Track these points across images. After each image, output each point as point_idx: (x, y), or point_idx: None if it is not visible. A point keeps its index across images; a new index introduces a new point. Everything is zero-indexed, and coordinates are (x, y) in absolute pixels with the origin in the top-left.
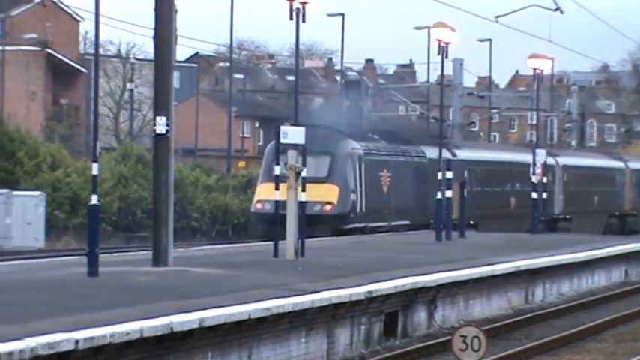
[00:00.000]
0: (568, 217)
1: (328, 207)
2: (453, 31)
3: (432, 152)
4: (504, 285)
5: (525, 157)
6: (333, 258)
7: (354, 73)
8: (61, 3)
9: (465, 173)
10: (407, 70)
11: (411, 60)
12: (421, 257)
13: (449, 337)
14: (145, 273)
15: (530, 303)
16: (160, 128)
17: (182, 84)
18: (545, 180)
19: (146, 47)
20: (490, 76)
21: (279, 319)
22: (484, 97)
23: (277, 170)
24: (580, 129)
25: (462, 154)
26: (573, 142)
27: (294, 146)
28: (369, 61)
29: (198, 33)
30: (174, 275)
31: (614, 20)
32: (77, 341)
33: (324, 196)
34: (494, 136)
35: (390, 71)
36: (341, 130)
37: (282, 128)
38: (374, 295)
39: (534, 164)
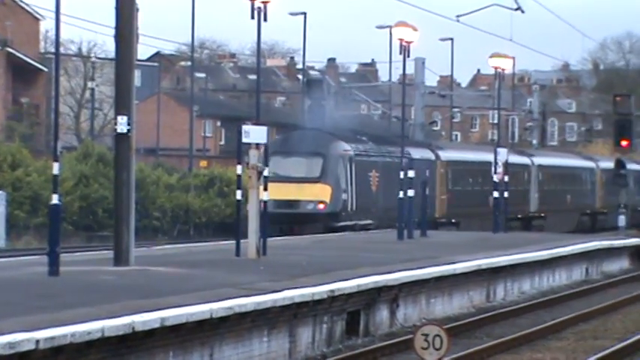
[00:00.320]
0: (543, 215)
1: (321, 205)
2: (415, 30)
3: (416, 153)
4: (466, 284)
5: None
6: (295, 257)
7: (316, 72)
8: (21, 2)
9: (427, 172)
10: (369, 69)
11: (372, 59)
12: (383, 256)
13: (411, 336)
14: (107, 272)
15: (492, 301)
16: (121, 127)
17: (143, 83)
18: (507, 179)
19: (107, 46)
20: (452, 75)
21: (241, 319)
22: (446, 96)
23: (239, 170)
24: (541, 128)
25: (445, 155)
26: (535, 141)
27: (256, 145)
28: (331, 60)
29: (159, 32)
30: (135, 275)
31: (574, 19)
32: (38, 341)
33: (317, 195)
34: (456, 135)
35: (352, 70)
36: (333, 133)
37: (244, 127)
38: (336, 294)
39: (496, 163)
